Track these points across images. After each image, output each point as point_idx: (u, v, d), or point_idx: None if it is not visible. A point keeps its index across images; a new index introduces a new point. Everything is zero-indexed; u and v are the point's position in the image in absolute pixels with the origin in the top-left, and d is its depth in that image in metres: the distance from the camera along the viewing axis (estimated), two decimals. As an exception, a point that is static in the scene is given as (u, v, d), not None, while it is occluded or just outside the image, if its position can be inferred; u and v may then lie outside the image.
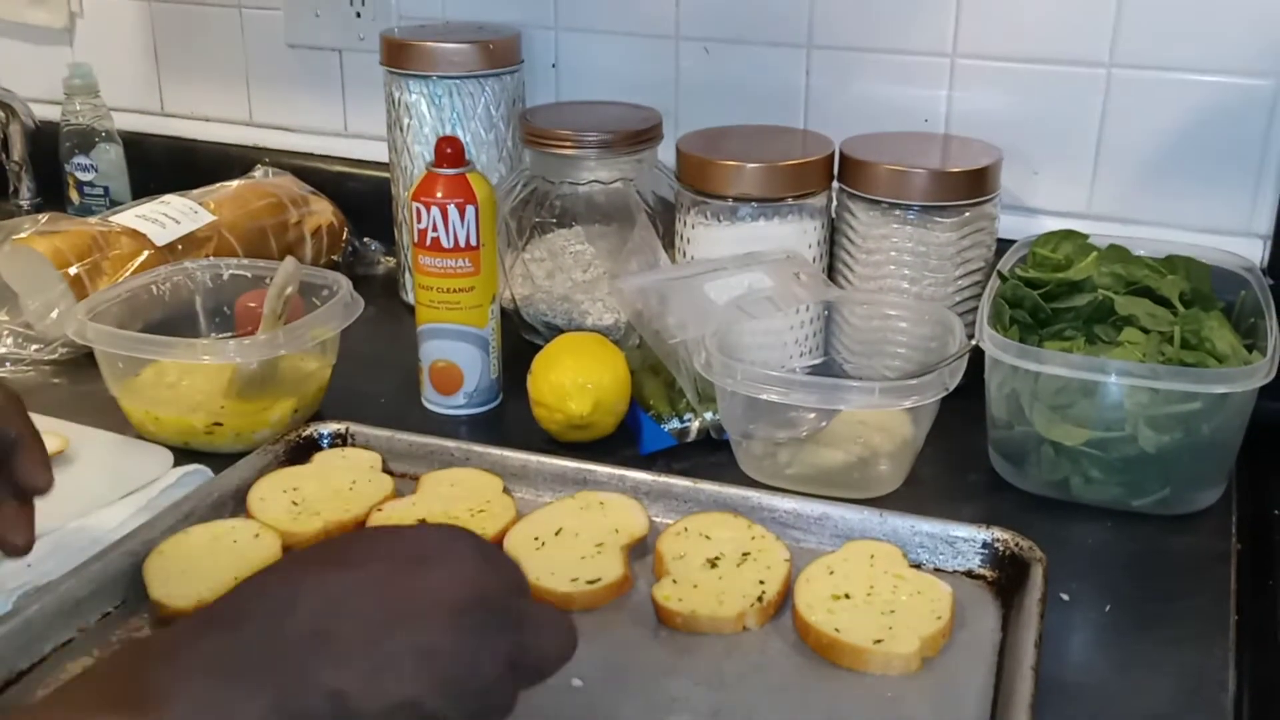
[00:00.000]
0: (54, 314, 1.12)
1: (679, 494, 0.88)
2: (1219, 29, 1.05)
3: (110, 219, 1.20)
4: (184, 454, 0.96)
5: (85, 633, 0.75)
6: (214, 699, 0.47)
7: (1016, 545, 0.80)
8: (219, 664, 0.48)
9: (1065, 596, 0.80)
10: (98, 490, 0.89)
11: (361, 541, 0.57)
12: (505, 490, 0.89)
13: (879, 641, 0.72)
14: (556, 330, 1.12)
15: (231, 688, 0.47)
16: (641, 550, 0.83)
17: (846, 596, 0.76)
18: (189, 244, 1.19)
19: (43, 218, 1.18)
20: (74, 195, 1.45)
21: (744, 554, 0.81)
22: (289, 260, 0.99)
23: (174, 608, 0.76)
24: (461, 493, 0.89)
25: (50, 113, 1.49)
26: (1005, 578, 0.80)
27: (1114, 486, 0.89)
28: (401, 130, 1.20)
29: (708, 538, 0.82)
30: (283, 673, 0.48)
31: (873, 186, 1.03)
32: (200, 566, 0.79)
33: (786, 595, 0.78)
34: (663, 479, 0.88)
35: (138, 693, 0.47)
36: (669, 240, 1.12)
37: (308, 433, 0.95)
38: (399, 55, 1.18)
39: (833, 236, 1.09)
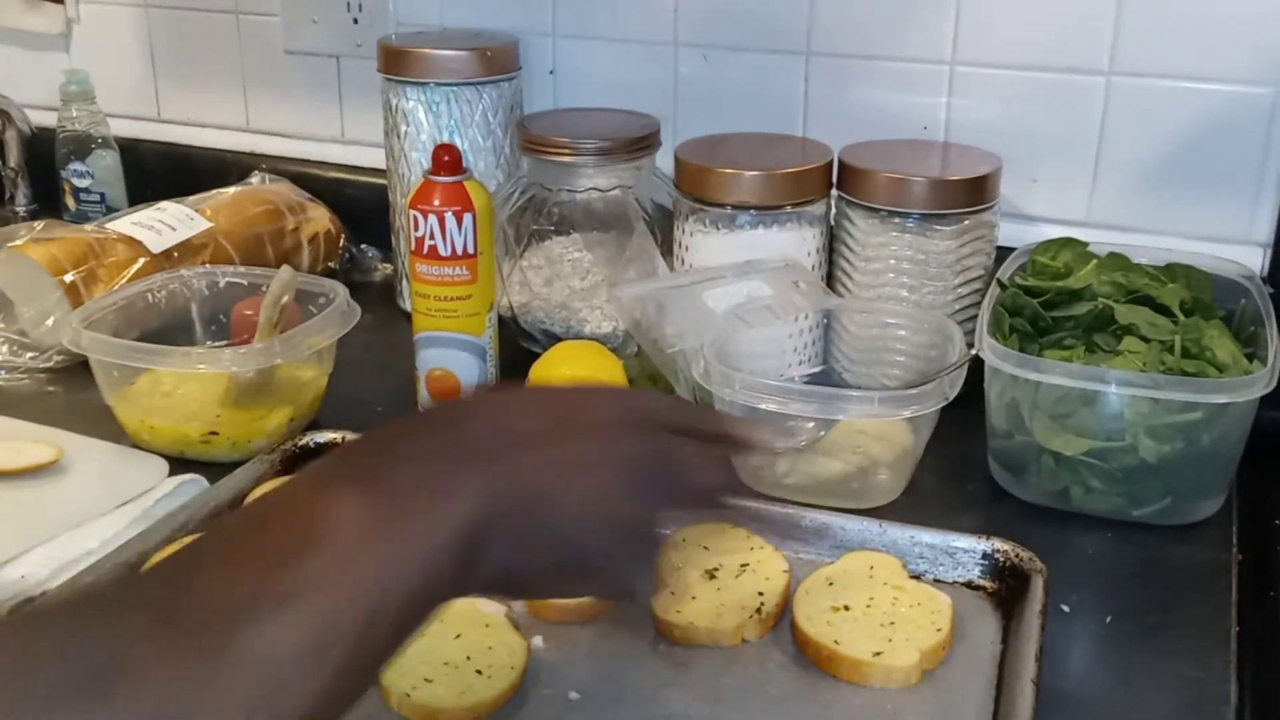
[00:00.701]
0: (49, 321, 1.11)
1: (677, 504, 0.87)
2: (1218, 37, 1.04)
3: (106, 226, 1.19)
4: (180, 463, 0.95)
5: (79, 645, 0.74)
6: (431, 474, 0.50)
7: (1016, 556, 0.79)
8: (423, 453, 0.51)
9: (1065, 608, 0.80)
10: (92, 500, 0.89)
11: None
12: (502, 500, 0.89)
13: (878, 654, 0.72)
14: (554, 338, 1.12)
15: (444, 469, 0.50)
16: (639, 561, 0.83)
17: (846, 608, 0.76)
18: (185, 251, 1.19)
19: (38, 224, 1.18)
20: (70, 202, 1.45)
21: (743, 565, 0.80)
22: (285, 269, 0.99)
23: (169, 619, 0.75)
24: (458, 503, 0.88)
25: (47, 119, 1.48)
26: (1005, 589, 0.79)
27: (1114, 496, 0.89)
28: (399, 137, 1.20)
29: (706, 549, 0.82)
30: (488, 459, 0.51)
31: (872, 194, 1.03)
32: (195, 578, 0.78)
33: (785, 607, 0.77)
34: (661, 489, 0.88)
35: (359, 472, 0.50)
36: (667, 248, 1.11)
37: (304, 442, 0.95)
38: (396, 62, 1.17)
39: (832, 244, 1.09)
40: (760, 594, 0.77)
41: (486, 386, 0.58)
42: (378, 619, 0.45)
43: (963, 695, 0.71)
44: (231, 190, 1.32)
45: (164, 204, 1.25)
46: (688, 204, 1.07)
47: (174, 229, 1.20)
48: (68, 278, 1.10)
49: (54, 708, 0.38)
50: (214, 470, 0.93)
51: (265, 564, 0.44)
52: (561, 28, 1.28)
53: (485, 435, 0.53)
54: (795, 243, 1.05)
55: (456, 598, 0.51)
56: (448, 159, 0.99)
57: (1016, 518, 0.90)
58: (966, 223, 1.03)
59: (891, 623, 0.75)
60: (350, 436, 0.95)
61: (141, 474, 0.93)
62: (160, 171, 1.48)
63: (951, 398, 0.87)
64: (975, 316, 0.98)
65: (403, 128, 1.19)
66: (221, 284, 1.12)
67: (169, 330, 1.08)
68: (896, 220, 1.02)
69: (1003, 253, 1.06)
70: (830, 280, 1.09)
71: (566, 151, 1.10)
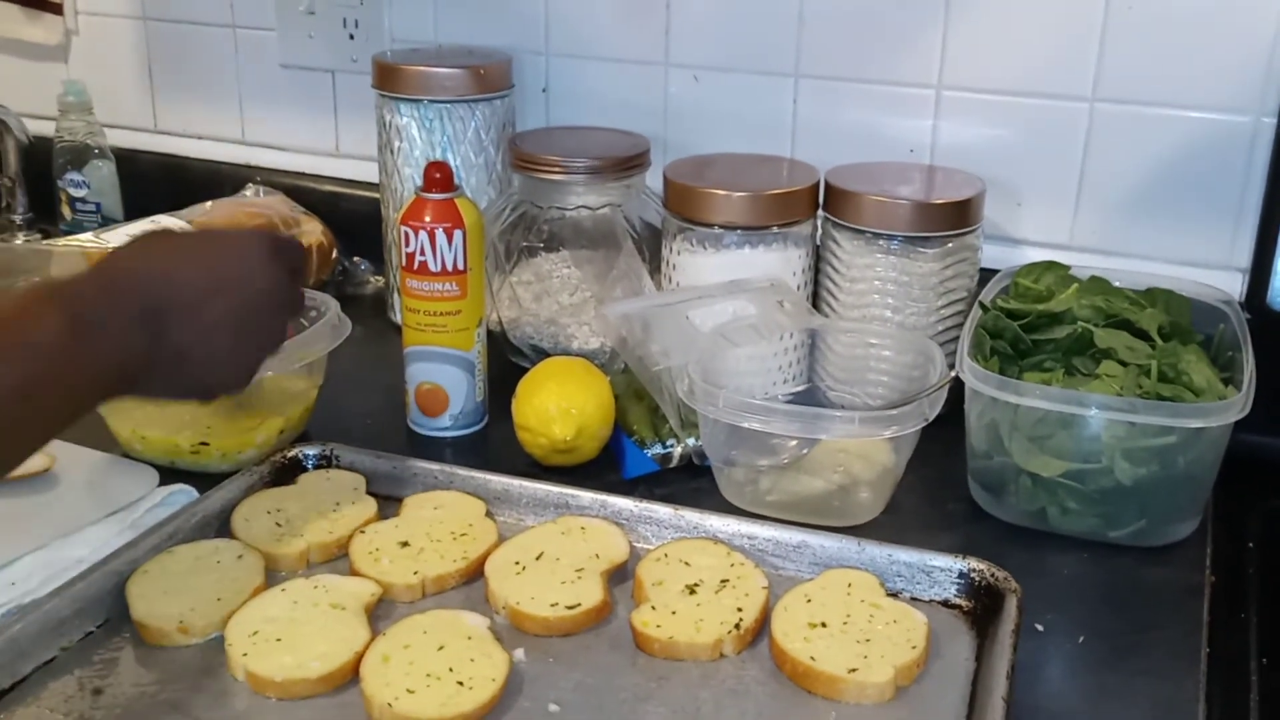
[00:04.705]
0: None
1: (660, 520, 0.88)
2: (1200, 66, 1.06)
3: (102, 236, 1.21)
4: (170, 473, 0.96)
5: (67, 652, 0.75)
6: (111, 316, 0.67)
7: (992, 576, 0.81)
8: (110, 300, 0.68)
9: (1040, 627, 0.81)
10: (83, 509, 0.90)
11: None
12: (488, 514, 0.90)
13: (854, 670, 0.73)
14: (543, 353, 1.13)
15: (118, 320, 0.67)
16: (621, 576, 0.84)
17: (823, 625, 0.77)
18: (179, 263, 1.20)
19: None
20: (66, 211, 1.46)
21: (723, 581, 0.82)
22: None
23: (155, 627, 0.76)
24: (444, 516, 0.89)
25: (44, 128, 1.50)
26: (980, 608, 0.80)
27: (1091, 518, 0.90)
28: (392, 153, 1.21)
29: (687, 564, 0.83)
30: (133, 332, 0.68)
31: (857, 216, 1.04)
32: (183, 587, 0.80)
33: (764, 623, 0.79)
34: (644, 505, 0.89)
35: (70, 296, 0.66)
36: (655, 266, 1.13)
37: (293, 454, 0.96)
38: (390, 79, 1.19)
39: (817, 265, 1.10)
40: (739, 609, 0.79)
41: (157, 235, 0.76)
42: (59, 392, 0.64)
43: (935, 712, 0.72)
44: (226, 202, 1.33)
45: (159, 217, 1.26)
46: (676, 223, 1.08)
47: (168, 241, 1.20)
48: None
49: None
50: (204, 481, 0.94)
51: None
52: (555, 46, 1.30)
53: (152, 297, 0.69)
54: (781, 263, 1.07)
55: (116, 397, 0.71)
56: (439, 176, 1.00)
57: (994, 537, 0.92)
58: (950, 245, 1.04)
59: (868, 640, 0.76)
60: (338, 448, 0.97)
61: (131, 484, 0.94)
62: (156, 182, 1.50)
63: (931, 418, 0.88)
64: (958, 338, 0.99)
65: (396, 143, 1.21)
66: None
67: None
68: (881, 242, 1.04)
69: (987, 274, 1.08)
70: (815, 300, 1.10)
71: (557, 170, 1.11)
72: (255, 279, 0.76)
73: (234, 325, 0.74)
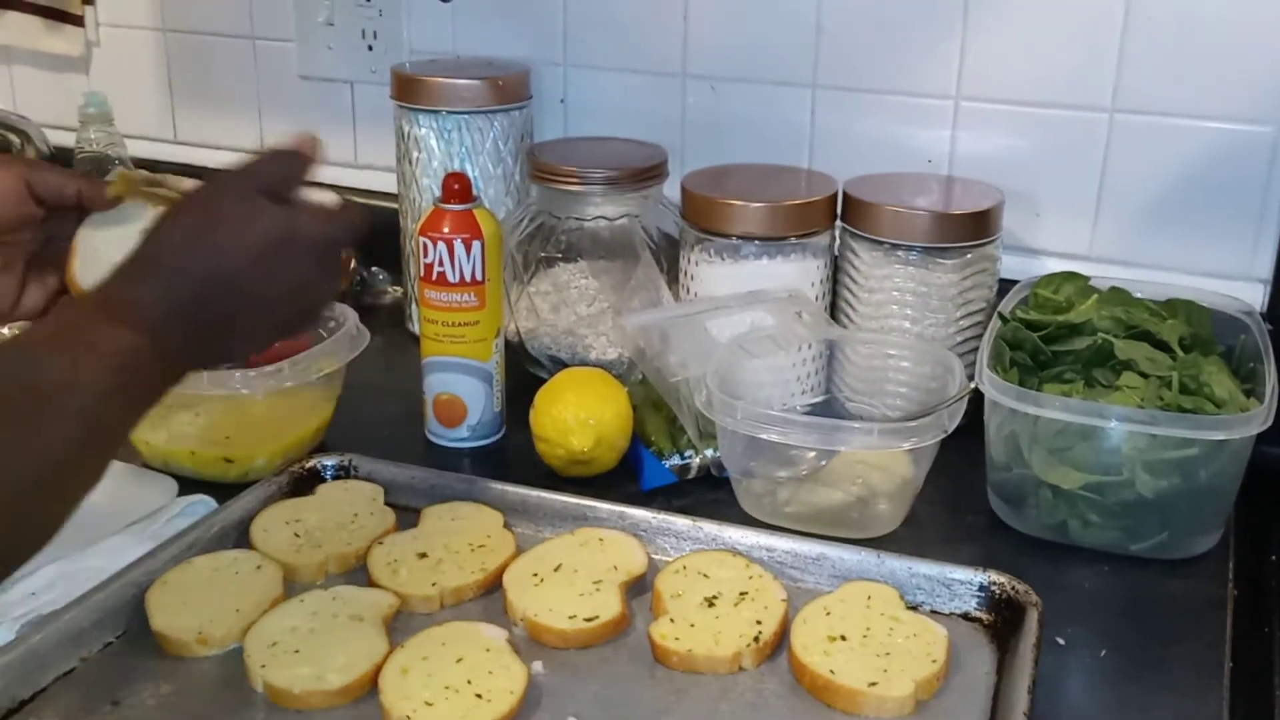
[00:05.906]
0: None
1: (678, 532, 0.88)
2: (1220, 76, 1.06)
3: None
4: (189, 484, 0.96)
5: (87, 662, 0.76)
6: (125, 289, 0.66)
7: (1013, 589, 0.80)
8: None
9: (1061, 640, 0.81)
10: (102, 520, 0.90)
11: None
12: (506, 525, 0.90)
13: (874, 684, 0.73)
14: (561, 364, 1.13)
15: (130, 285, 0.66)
16: (640, 588, 0.84)
17: (843, 638, 0.77)
18: (198, 273, 1.20)
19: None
20: (86, 221, 1.46)
21: (741, 593, 0.81)
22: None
23: (175, 638, 0.77)
24: (462, 527, 0.89)
25: (65, 139, 1.50)
26: (1001, 621, 0.80)
27: (1112, 530, 0.89)
28: (410, 163, 1.22)
29: (706, 576, 0.83)
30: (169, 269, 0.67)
31: (875, 227, 1.04)
32: (202, 598, 0.80)
33: (783, 635, 0.78)
34: (662, 517, 0.89)
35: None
36: (673, 276, 1.13)
37: (311, 464, 0.96)
38: (409, 90, 1.19)
39: (835, 276, 1.10)
40: (758, 622, 0.78)
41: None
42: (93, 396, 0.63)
43: (956, 726, 0.72)
44: (245, 212, 1.33)
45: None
46: (694, 233, 1.08)
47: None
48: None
49: None
50: (223, 491, 0.94)
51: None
52: (572, 57, 1.30)
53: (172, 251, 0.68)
54: (799, 273, 1.06)
55: (184, 371, 0.67)
56: (458, 187, 1.00)
57: (1015, 550, 0.91)
58: (969, 256, 1.04)
59: (887, 653, 0.75)
60: (356, 459, 0.97)
61: (151, 494, 0.94)
62: (175, 193, 1.50)
63: (950, 430, 0.88)
64: (977, 348, 0.98)
65: (415, 154, 1.21)
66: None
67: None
68: (900, 253, 1.04)
69: (1006, 285, 1.07)
70: (834, 311, 1.10)
71: (575, 180, 1.11)
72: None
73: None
